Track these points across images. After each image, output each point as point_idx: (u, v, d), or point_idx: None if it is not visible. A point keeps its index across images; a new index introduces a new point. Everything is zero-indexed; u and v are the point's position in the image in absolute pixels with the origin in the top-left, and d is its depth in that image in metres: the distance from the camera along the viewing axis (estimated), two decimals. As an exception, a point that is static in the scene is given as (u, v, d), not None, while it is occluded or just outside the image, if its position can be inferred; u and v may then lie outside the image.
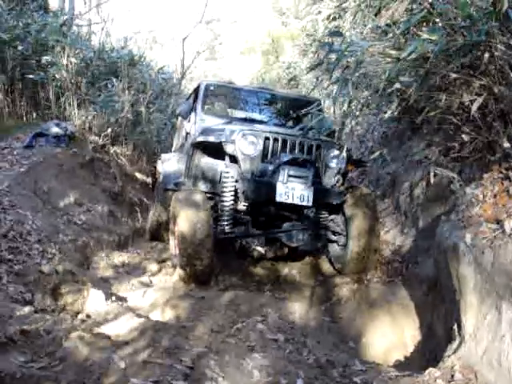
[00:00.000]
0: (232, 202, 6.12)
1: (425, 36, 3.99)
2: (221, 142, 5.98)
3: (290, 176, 5.80)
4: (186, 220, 5.60)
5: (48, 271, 4.91)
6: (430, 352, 4.43)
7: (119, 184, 9.47)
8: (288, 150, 6.01)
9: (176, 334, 4.13)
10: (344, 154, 6.00)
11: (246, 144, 5.88)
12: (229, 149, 5.92)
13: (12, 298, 4.44)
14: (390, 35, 4.76)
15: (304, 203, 5.83)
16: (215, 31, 30.18)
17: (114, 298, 5.01)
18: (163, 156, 7.99)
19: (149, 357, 3.71)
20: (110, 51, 11.86)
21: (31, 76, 9.85)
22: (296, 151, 6.02)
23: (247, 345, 4.17)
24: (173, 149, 9.02)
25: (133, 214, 9.20)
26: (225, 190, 6.11)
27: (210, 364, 3.74)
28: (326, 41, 5.92)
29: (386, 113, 5.87)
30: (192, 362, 3.73)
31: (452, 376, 3.57)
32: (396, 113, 6.21)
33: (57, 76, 9.78)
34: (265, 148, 5.98)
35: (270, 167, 5.94)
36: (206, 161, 6.61)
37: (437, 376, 3.61)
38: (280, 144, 6.01)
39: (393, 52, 4.45)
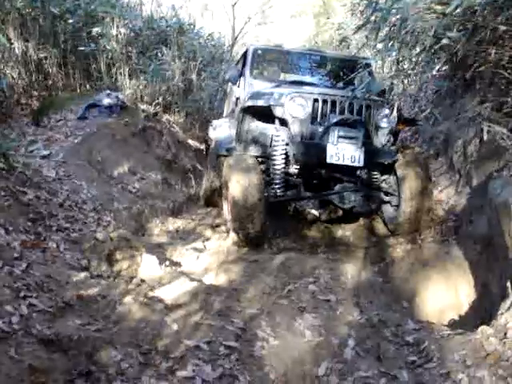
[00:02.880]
0: (283, 165, 6.09)
1: (471, -12, 3.88)
2: (270, 106, 5.94)
3: (339, 137, 5.71)
4: (238, 184, 5.60)
5: (103, 238, 5.01)
6: (484, 311, 4.38)
7: (172, 151, 9.55)
8: (337, 111, 5.86)
9: (228, 296, 4.19)
10: (395, 113, 5.90)
11: (294, 106, 5.79)
12: (278, 112, 5.87)
13: (69, 264, 4.57)
14: (437, -11, 4.63)
15: (355, 164, 5.74)
16: (265, -5, 29.87)
17: (167, 262, 5.09)
18: (214, 122, 8.00)
19: (201, 319, 3.79)
20: (159, 20, 11.89)
21: (83, 48, 9.98)
22: (346, 112, 5.87)
23: (299, 306, 4.21)
24: (224, 114, 8.97)
25: (186, 180, 9.26)
26: (275, 153, 6.08)
27: (261, 325, 3.80)
28: (372, -1, 5.77)
29: (434, 69, 5.71)
30: (244, 324, 3.79)
31: (505, 334, 3.53)
32: (447, 69, 6.06)
33: (107, 47, 9.88)
34: (314, 110, 5.87)
35: (320, 129, 5.83)
36: (255, 125, 6.56)
37: (489, 334, 3.57)
38: (329, 105, 5.88)
39: (438, 7, 4.34)
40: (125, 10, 10.99)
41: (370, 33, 5.76)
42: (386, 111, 5.96)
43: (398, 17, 4.80)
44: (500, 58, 4.36)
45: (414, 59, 5.92)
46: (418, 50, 5.34)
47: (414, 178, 6.02)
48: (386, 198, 6.42)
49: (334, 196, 6.27)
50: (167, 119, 10.22)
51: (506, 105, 4.77)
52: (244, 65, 7.54)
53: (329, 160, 5.66)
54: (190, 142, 10.70)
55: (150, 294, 4.18)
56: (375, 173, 6.39)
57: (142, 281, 4.53)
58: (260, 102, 6.23)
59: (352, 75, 6.48)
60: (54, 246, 4.78)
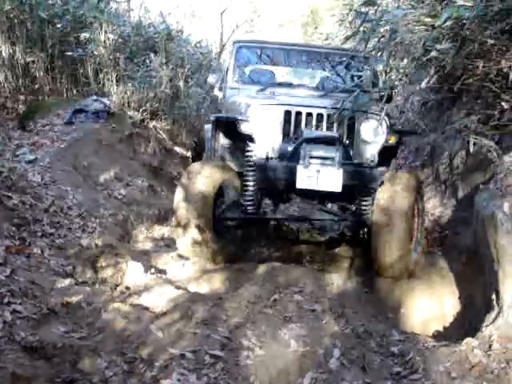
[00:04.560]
0: (255, 183, 5.41)
1: (460, 2, 3.91)
2: (235, 120, 5.29)
3: (312, 157, 4.94)
4: (182, 190, 5.14)
5: (88, 245, 5.01)
6: (469, 322, 4.40)
7: (158, 158, 9.53)
8: (314, 124, 5.25)
9: (213, 305, 4.18)
10: (384, 123, 5.24)
11: (261, 120, 5.17)
12: (244, 127, 5.21)
13: (53, 270, 4.54)
14: (426, 2, 4.68)
15: (331, 189, 4.94)
16: (254, 3, 29.94)
17: (152, 270, 5.07)
18: (205, 127, 7.77)
19: (186, 327, 3.78)
20: (147, 26, 11.89)
21: (70, 53, 9.93)
22: (323, 125, 5.24)
23: (284, 315, 4.20)
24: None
25: (172, 187, 9.21)
26: (247, 170, 5.43)
27: (246, 334, 3.79)
28: (361, 10, 5.79)
29: (423, 82, 5.68)
30: (229, 333, 3.78)
31: (490, 346, 3.55)
32: (434, 81, 6.10)
33: (95, 52, 9.84)
34: (286, 124, 5.25)
35: (290, 147, 5.11)
36: (227, 140, 5.94)
37: (475, 346, 3.60)
38: (304, 117, 5.26)
39: (428, 19, 4.37)
40: (113, 15, 10.95)
41: (359, 43, 5.76)
42: (373, 123, 5.29)
43: (387, 28, 4.83)
44: (487, 72, 4.41)
45: (401, 70, 5.95)
46: (405, 61, 5.37)
47: (395, 225, 4.88)
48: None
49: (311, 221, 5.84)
50: (154, 126, 10.20)
51: (493, 118, 4.82)
52: (228, 65, 6.94)
53: (299, 185, 4.94)
54: (177, 149, 10.69)
55: (135, 301, 4.17)
56: (364, 197, 5.49)
57: (127, 288, 4.51)
58: (226, 115, 5.76)
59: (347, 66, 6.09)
60: (39, 251, 4.75)
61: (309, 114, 5.27)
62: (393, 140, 5.37)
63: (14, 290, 3.72)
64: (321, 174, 4.91)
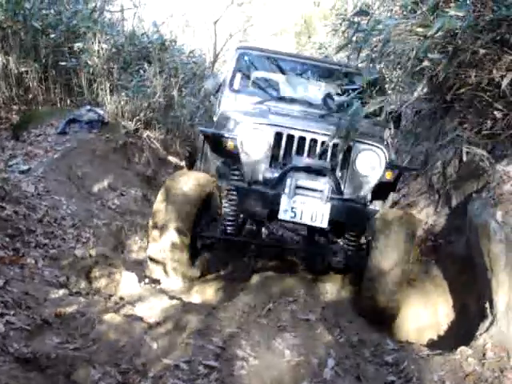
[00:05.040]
0: (235, 206, 5.16)
1: (452, 12, 3.94)
2: (221, 136, 4.93)
3: (299, 187, 4.58)
4: (162, 195, 4.86)
5: (82, 255, 5.00)
6: (463, 331, 4.41)
7: (152, 168, 9.51)
8: (306, 149, 4.79)
9: (207, 315, 4.19)
10: (382, 156, 4.79)
11: (249, 141, 4.79)
12: (229, 145, 4.81)
13: (47, 281, 4.52)
14: (419, 12, 4.71)
15: (316, 224, 4.58)
16: (247, 13, 30.01)
17: (146, 280, 5.08)
18: (200, 136, 7.42)
19: (180, 337, 3.77)
20: (141, 36, 11.91)
21: (64, 63, 9.91)
22: (315, 151, 4.79)
23: (278, 325, 4.22)
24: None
25: (166, 197, 9.23)
26: (230, 190, 5.19)
27: (241, 344, 3.79)
28: (354, 20, 5.80)
29: (416, 91, 5.68)
30: (223, 343, 3.79)
31: (484, 354, 3.58)
32: (427, 91, 6.13)
33: (89, 62, 9.84)
34: (275, 147, 4.81)
35: (277, 173, 4.75)
36: (214, 154, 5.56)
37: (469, 354, 3.62)
38: (296, 141, 4.79)
39: (420, 29, 4.39)
40: (107, 25, 10.98)
41: (352, 53, 5.77)
42: (371, 155, 4.82)
43: (379, 38, 4.85)
44: (480, 81, 4.43)
45: (394, 80, 5.96)
46: (398, 71, 5.39)
47: (390, 264, 4.40)
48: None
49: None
50: (148, 135, 10.19)
51: (486, 127, 4.84)
52: (227, 72, 6.49)
53: (281, 216, 4.58)
54: (171, 158, 10.67)
55: (129, 311, 4.16)
56: (353, 233, 5.16)
57: (121, 298, 4.51)
58: (213, 131, 5.29)
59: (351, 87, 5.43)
60: (33, 262, 4.73)
61: (302, 139, 4.81)
62: (390, 177, 4.87)
63: (7, 301, 3.71)
64: (306, 207, 4.56)
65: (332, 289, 5.26)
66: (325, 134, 4.78)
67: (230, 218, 5.17)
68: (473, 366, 3.48)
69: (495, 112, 4.67)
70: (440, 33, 4.05)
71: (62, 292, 4.30)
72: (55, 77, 10.31)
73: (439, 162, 6.61)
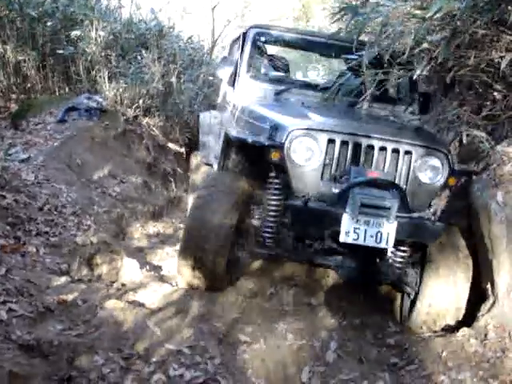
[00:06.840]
0: (278, 214, 4.37)
1: (451, -7, 3.91)
2: (263, 147, 4.08)
3: (363, 205, 3.73)
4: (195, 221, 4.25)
5: (83, 242, 5.00)
6: (465, 313, 4.41)
7: (152, 155, 9.50)
8: (362, 157, 4.02)
9: (209, 300, 4.19)
10: (445, 161, 4.10)
11: (299, 151, 3.98)
12: (274, 156, 3.97)
13: (49, 268, 4.53)
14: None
15: (381, 245, 3.85)
16: (245, -2, 29.93)
17: (148, 267, 5.09)
18: (201, 116, 7.12)
19: (183, 323, 3.78)
20: (138, 23, 11.84)
21: (61, 51, 9.88)
22: (374, 160, 4.02)
23: (281, 309, 4.22)
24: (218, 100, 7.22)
25: (167, 183, 9.21)
26: (270, 200, 4.38)
27: (243, 329, 3.81)
28: (353, 3, 5.73)
29: (415, 73, 5.54)
30: (225, 328, 3.80)
31: (485, 335, 3.58)
32: (426, 73, 6.08)
33: (87, 50, 9.79)
34: (328, 155, 4.00)
35: (335, 188, 3.96)
36: (245, 161, 4.79)
37: (471, 335, 3.63)
38: (350, 150, 4.00)
39: (418, 12, 4.35)
40: (104, 12, 10.90)
41: (351, 37, 5.72)
42: (435, 161, 4.11)
43: (378, 21, 4.82)
44: (479, 62, 4.40)
45: (393, 63, 5.92)
46: (398, 53, 5.35)
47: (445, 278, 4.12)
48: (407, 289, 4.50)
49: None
50: (147, 122, 10.16)
51: (485, 108, 4.82)
52: (241, 56, 5.61)
53: (343, 238, 3.79)
54: (170, 145, 10.66)
55: (131, 298, 4.18)
56: (404, 249, 4.39)
57: (123, 285, 4.51)
58: (249, 137, 4.32)
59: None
60: (34, 250, 4.74)
61: (356, 145, 4.02)
62: (452, 183, 4.24)
63: (9, 288, 3.73)
64: (370, 227, 3.83)
65: (335, 273, 5.26)
66: (397, 141, 4.04)
67: (270, 230, 4.43)
68: (475, 346, 3.48)
69: (495, 93, 4.65)
70: (438, 15, 4.01)
71: (63, 279, 4.32)
72: (53, 65, 10.27)
73: (439, 144, 6.59)
